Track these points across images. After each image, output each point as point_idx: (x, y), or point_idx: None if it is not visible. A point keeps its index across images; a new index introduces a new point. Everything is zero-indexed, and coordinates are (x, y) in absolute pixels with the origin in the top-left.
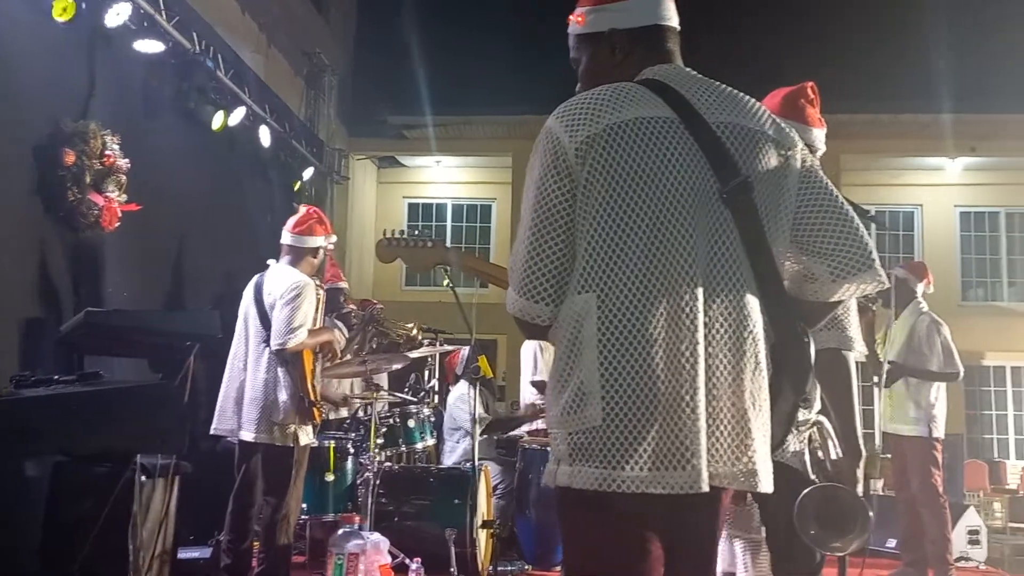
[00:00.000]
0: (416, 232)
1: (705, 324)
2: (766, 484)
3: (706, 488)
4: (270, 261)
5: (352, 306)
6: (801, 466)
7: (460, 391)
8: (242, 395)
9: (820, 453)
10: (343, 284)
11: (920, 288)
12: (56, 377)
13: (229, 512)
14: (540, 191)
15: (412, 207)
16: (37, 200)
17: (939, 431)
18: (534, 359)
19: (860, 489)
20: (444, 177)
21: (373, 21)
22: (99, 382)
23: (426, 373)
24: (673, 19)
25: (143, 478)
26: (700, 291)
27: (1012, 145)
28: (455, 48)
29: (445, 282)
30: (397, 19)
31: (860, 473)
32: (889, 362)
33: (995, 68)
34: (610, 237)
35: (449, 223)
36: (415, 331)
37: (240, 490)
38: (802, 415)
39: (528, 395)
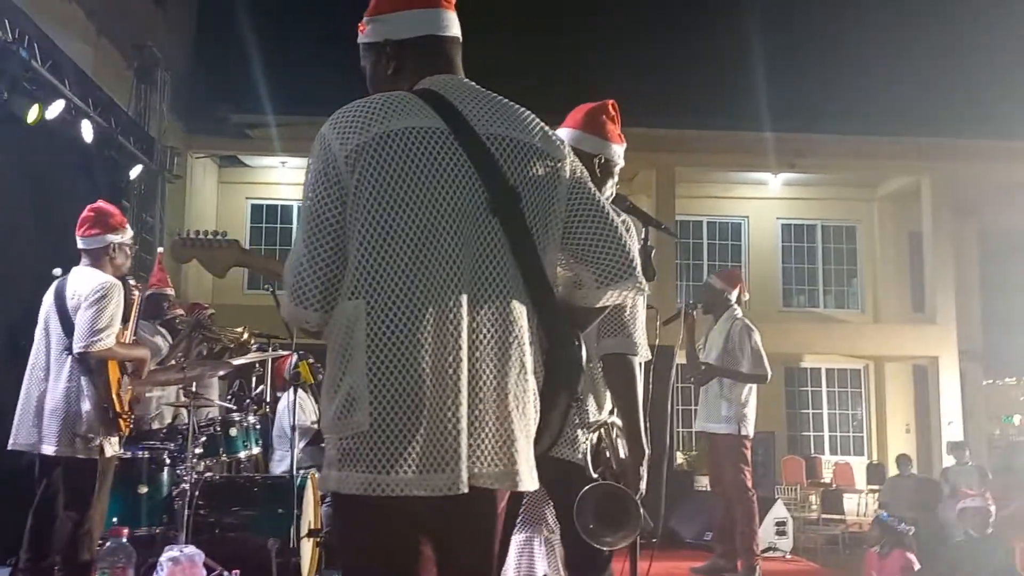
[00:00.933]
0: (211, 233)
1: (470, 329)
2: (528, 483)
3: (465, 489)
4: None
5: (179, 311)
6: (584, 464)
7: (289, 399)
8: (42, 407)
9: (608, 452)
10: (168, 290)
11: (734, 295)
12: None
13: (28, 529)
14: (311, 197)
15: (256, 208)
16: None
17: (748, 429)
18: None
19: (643, 486)
20: (289, 178)
21: (214, 16)
22: None
23: (254, 380)
24: (451, 29)
25: None
26: (465, 298)
27: (828, 162)
28: (299, 46)
29: (265, 286)
30: (239, 16)
31: (643, 471)
32: (703, 364)
33: (813, 89)
34: (378, 244)
35: (295, 225)
36: (245, 336)
37: (40, 505)
38: (592, 415)
39: None
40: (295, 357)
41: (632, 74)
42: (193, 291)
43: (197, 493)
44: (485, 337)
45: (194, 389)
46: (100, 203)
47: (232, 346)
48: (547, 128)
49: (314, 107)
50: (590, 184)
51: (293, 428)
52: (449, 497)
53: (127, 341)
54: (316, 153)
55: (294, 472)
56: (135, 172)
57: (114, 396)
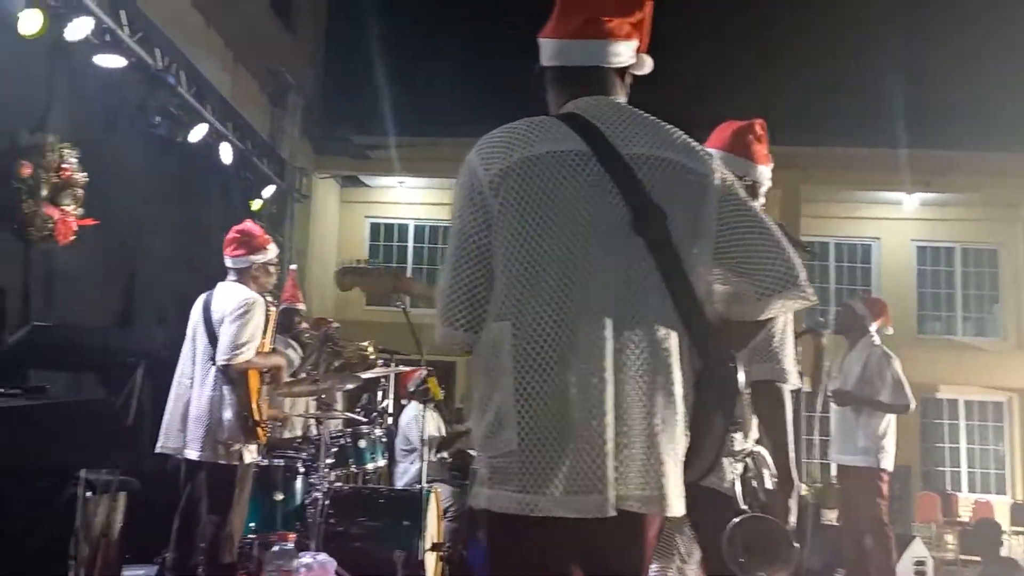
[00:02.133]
0: (375, 261)
1: (616, 351)
2: (676, 508)
3: (612, 512)
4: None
5: (306, 326)
6: (733, 495)
7: (413, 412)
8: (187, 413)
9: (755, 482)
10: (300, 305)
11: (874, 326)
12: (1, 391)
13: (174, 530)
14: (458, 223)
15: (374, 227)
16: None
17: (887, 462)
18: None
19: (793, 520)
20: (407, 198)
21: (342, 41)
22: (43, 396)
23: (379, 393)
24: (591, 59)
25: (88, 494)
26: (610, 319)
27: (967, 181)
28: (421, 69)
29: (398, 303)
30: (365, 40)
31: (793, 504)
32: (833, 391)
33: (950, 105)
34: (523, 267)
35: (411, 243)
36: (370, 351)
37: (185, 508)
38: (738, 444)
39: None
40: (422, 372)
41: (755, 90)
42: (317, 307)
43: (327, 502)
44: (631, 359)
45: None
46: (246, 224)
47: (355, 360)
48: (693, 143)
49: (431, 128)
50: (742, 194)
51: (423, 442)
52: (598, 520)
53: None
54: (462, 179)
55: (423, 484)
56: (268, 192)
57: (254, 406)
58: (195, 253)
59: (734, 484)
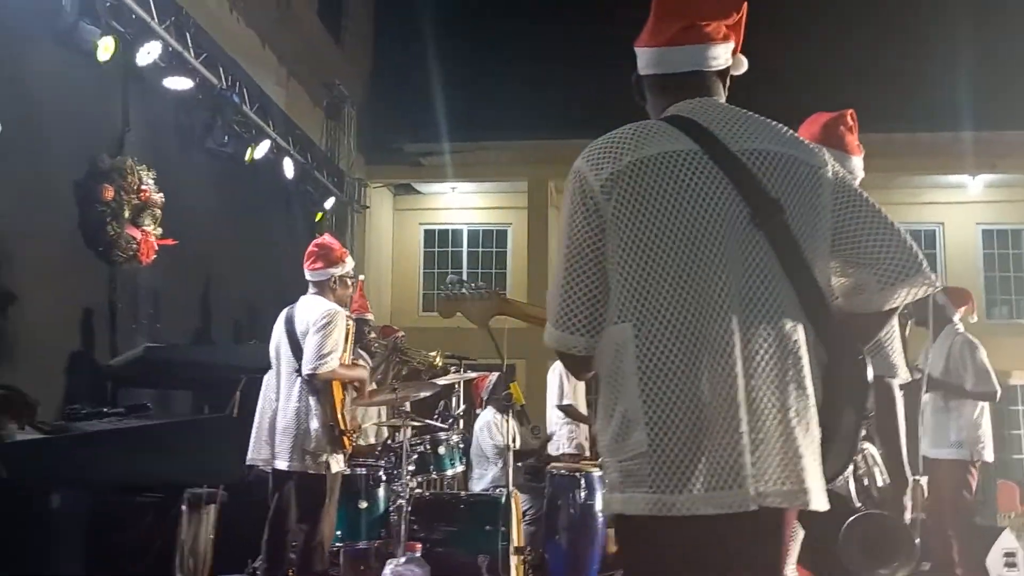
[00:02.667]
0: (473, 285)
1: (743, 345)
2: (818, 501)
3: (754, 507)
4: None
5: (374, 335)
6: (847, 493)
7: (487, 418)
8: (275, 425)
9: (866, 480)
10: (369, 315)
11: (957, 316)
12: (105, 410)
13: (265, 540)
14: (570, 228)
15: (428, 233)
16: (78, 235)
17: (981, 454)
18: (560, 384)
19: (907, 517)
20: (460, 203)
21: (389, 51)
22: (149, 415)
23: (453, 400)
24: (691, 64)
25: (184, 508)
26: (735, 315)
27: None
28: (470, 75)
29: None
30: (413, 49)
31: (907, 501)
32: (919, 374)
33: (1014, 86)
34: (641, 267)
35: (465, 248)
36: (437, 359)
37: (275, 518)
38: None
39: (554, 420)
40: (492, 378)
41: (813, 75)
42: (375, 315)
43: (410, 508)
44: (759, 353)
45: (407, 409)
46: (324, 238)
47: (423, 368)
48: (801, 138)
49: (483, 133)
50: (855, 184)
51: (507, 447)
52: (736, 516)
53: (347, 363)
54: (571, 186)
55: (509, 489)
56: (329, 204)
57: (339, 415)
58: (265, 267)
59: (848, 482)
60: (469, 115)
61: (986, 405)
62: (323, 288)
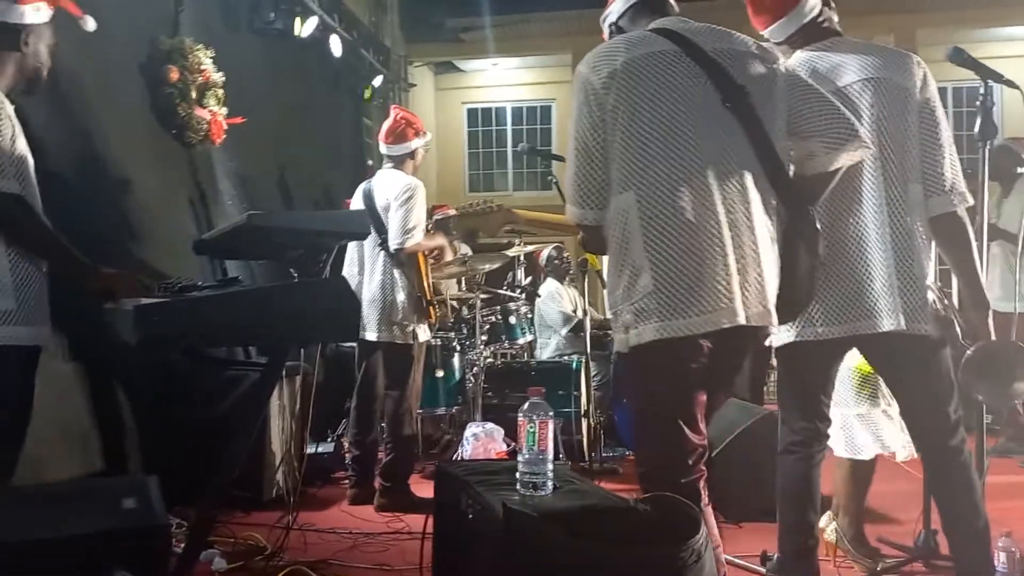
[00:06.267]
0: (482, 201)
1: (722, 196)
2: (775, 319)
3: (743, 321)
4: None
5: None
6: (941, 328)
7: (549, 288)
8: (360, 298)
9: (947, 313)
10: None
11: None
12: (200, 283)
13: (353, 407)
14: (578, 122)
15: (471, 112)
16: (152, 118)
17: None
18: None
19: (992, 339)
20: (502, 80)
21: None
22: (245, 285)
23: (520, 271)
24: None
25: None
26: (713, 175)
27: None
28: None
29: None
30: None
31: (991, 324)
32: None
33: None
34: (638, 145)
35: (509, 126)
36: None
37: (362, 386)
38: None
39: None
40: (549, 249)
41: None
42: None
43: (483, 376)
44: (735, 204)
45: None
46: (403, 112)
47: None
48: (758, 42)
49: (524, 4)
50: (801, 75)
51: (585, 311)
52: (725, 332)
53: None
54: (577, 86)
55: (588, 353)
56: (377, 82)
57: (425, 285)
58: (321, 144)
59: (948, 311)
60: None
61: None
62: (402, 161)
